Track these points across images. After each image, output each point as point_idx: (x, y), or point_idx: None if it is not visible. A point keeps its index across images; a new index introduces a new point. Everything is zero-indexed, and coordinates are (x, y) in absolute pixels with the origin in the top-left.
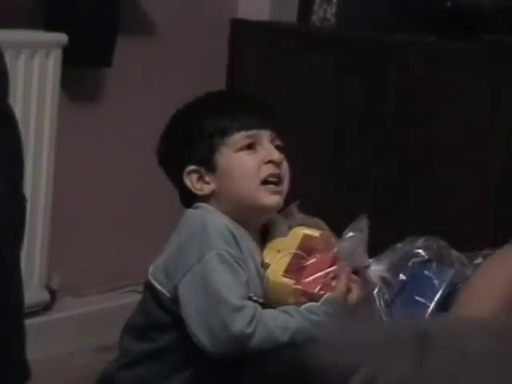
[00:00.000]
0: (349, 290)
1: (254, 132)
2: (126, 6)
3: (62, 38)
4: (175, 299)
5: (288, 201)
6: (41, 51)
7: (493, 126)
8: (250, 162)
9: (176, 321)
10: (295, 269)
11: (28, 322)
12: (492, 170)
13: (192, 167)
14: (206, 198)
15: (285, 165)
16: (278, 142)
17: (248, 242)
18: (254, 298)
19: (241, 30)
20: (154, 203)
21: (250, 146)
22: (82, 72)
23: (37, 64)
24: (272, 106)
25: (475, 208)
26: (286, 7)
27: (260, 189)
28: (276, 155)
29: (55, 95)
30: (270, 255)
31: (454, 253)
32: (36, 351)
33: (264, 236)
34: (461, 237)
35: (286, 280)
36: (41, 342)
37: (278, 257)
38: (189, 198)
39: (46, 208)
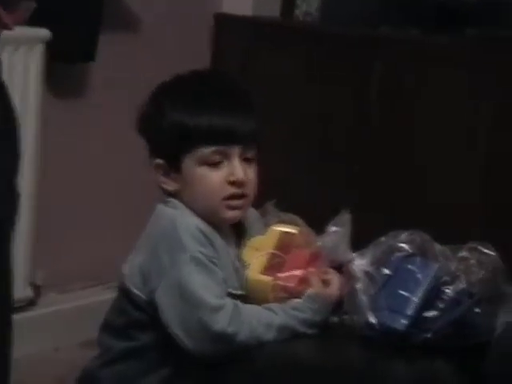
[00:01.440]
0: (326, 283)
1: (223, 148)
2: (109, 1)
3: (45, 33)
4: (151, 302)
5: (270, 197)
6: (24, 47)
7: (476, 119)
8: (213, 179)
9: (155, 320)
10: (273, 266)
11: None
12: (476, 165)
13: (159, 161)
14: (170, 193)
15: (252, 178)
16: (249, 154)
17: (218, 236)
18: (233, 292)
19: (224, 24)
20: (139, 199)
21: (215, 163)
22: (65, 68)
23: (20, 59)
24: (251, 102)
25: (459, 202)
26: (270, 2)
27: (221, 204)
28: (240, 175)
29: (38, 91)
30: (248, 254)
31: (438, 246)
32: (21, 347)
33: (239, 229)
34: (446, 230)
35: (264, 277)
36: (26, 338)
37: (256, 255)
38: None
39: (30, 204)
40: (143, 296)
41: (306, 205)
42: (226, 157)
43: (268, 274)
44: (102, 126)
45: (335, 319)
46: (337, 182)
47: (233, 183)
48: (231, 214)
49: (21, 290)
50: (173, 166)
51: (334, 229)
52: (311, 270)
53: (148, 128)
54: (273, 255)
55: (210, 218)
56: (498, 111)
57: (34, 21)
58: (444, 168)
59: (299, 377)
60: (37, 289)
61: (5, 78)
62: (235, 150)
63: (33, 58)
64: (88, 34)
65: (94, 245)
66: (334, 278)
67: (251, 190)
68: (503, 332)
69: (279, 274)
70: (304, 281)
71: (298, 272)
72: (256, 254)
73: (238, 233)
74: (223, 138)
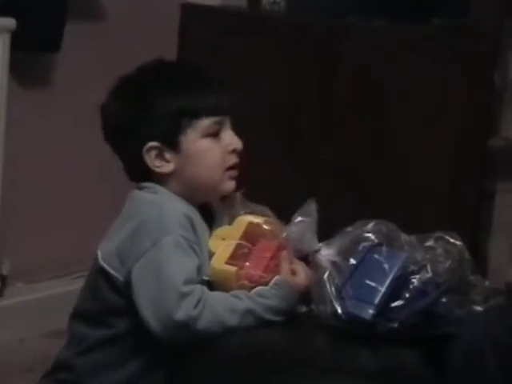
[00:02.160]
0: (293, 273)
1: (220, 118)
2: None
3: (11, 22)
4: (129, 284)
5: (237, 188)
6: None
7: (444, 108)
8: (216, 150)
9: (131, 305)
10: (239, 256)
11: None
12: (445, 154)
13: (153, 143)
14: (162, 176)
15: None
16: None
17: (201, 223)
18: (206, 279)
19: (191, 14)
20: (106, 188)
21: (214, 133)
22: (31, 57)
23: None
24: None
25: (428, 191)
26: None
27: (224, 175)
28: (239, 144)
29: (3, 80)
30: (214, 244)
31: (404, 236)
32: None
33: (207, 216)
34: (414, 219)
35: (228, 267)
36: None
37: (222, 245)
38: (141, 174)
39: None
40: (120, 277)
41: (275, 194)
42: (222, 127)
43: (233, 264)
44: (67, 115)
45: (303, 309)
46: (306, 171)
47: (233, 151)
48: (231, 185)
49: None
50: (170, 146)
51: (299, 219)
52: (283, 254)
53: (131, 117)
54: (239, 245)
55: (204, 196)
56: (464, 100)
57: None
58: (412, 155)
59: (265, 365)
60: (3, 279)
61: None
62: (228, 121)
63: None
64: (54, 24)
65: (60, 235)
66: (301, 268)
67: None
68: (466, 322)
69: (244, 264)
70: (270, 270)
71: (263, 261)
72: (222, 243)
73: (206, 220)
74: (220, 108)
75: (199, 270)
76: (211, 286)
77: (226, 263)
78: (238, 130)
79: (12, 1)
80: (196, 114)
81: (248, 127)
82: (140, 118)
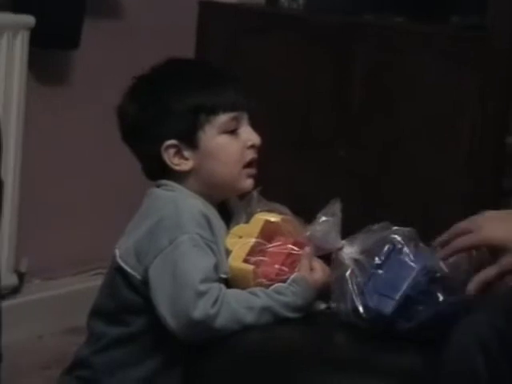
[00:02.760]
0: (311, 269)
1: (237, 114)
2: None
3: (30, 19)
4: (147, 282)
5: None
6: (8, 33)
7: (460, 107)
8: (234, 146)
9: (149, 303)
10: (256, 254)
11: None
12: (461, 152)
13: (171, 141)
14: (180, 174)
15: None
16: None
17: (218, 221)
18: (224, 277)
19: (209, 12)
20: (124, 184)
21: (232, 130)
22: (49, 54)
23: (4, 46)
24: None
25: (444, 190)
26: None
27: (242, 173)
28: (257, 139)
29: (22, 77)
30: (231, 242)
31: (423, 246)
32: (5, 334)
33: (225, 214)
34: (430, 219)
35: (245, 265)
36: (9, 325)
37: (239, 243)
38: (159, 173)
39: (14, 190)
40: (138, 276)
41: (288, 192)
42: (239, 123)
43: (250, 262)
44: (85, 112)
45: (322, 306)
46: (320, 169)
47: (251, 147)
48: (250, 182)
49: (5, 277)
50: (188, 143)
51: (324, 218)
52: (304, 251)
53: (148, 117)
54: (256, 243)
55: (222, 193)
56: (480, 98)
57: (18, 7)
58: (428, 153)
59: (282, 362)
60: (21, 276)
61: None
62: (245, 116)
63: (17, 44)
64: (72, 21)
65: (78, 231)
66: (318, 265)
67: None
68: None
69: (261, 261)
70: (286, 267)
71: (279, 259)
72: (239, 241)
73: (224, 218)
74: (237, 104)
75: (216, 268)
76: (228, 283)
77: (244, 261)
78: (254, 127)
79: None
80: (213, 110)
81: (263, 124)
82: (157, 118)
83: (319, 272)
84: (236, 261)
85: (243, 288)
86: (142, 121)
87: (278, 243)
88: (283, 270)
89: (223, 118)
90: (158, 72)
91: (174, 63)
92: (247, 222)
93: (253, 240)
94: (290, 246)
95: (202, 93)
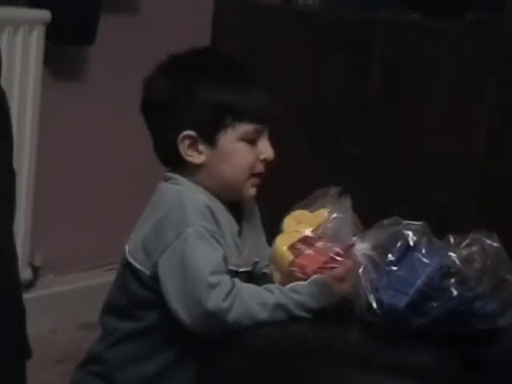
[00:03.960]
0: (342, 280)
1: (261, 127)
2: None
3: (46, 14)
4: (156, 277)
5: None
6: (24, 28)
7: (477, 104)
8: (250, 156)
9: (159, 298)
10: (304, 243)
11: None
12: (476, 151)
13: (190, 132)
14: (190, 166)
15: None
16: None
17: (224, 213)
18: (234, 269)
19: (225, 7)
20: (138, 179)
21: (252, 140)
22: (65, 49)
23: (20, 41)
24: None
25: (460, 191)
26: None
27: (249, 181)
28: (271, 155)
29: (38, 72)
30: (288, 222)
31: (436, 240)
32: None
33: (237, 210)
34: (444, 219)
35: (287, 253)
36: None
37: (293, 228)
38: (169, 158)
39: (28, 185)
40: (147, 271)
41: (301, 190)
42: (260, 136)
43: (295, 250)
44: (101, 107)
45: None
46: (333, 167)
47: (263, 161)
48: (253, 192)
49: (19, 271)
50: (206, 138)
51: (335, 215)
52: (346, 261)
53: (174, 100)
54: (308, 236)
55: (228, 194)
56: (495, 96)
57: (34, 2)
58: (442, 152)
59: (295, 358)
60: (35, 270)
61: (4, 59)
62: (266, 130)
63: (33, 39)
64: (88, 16)
65: (93, 226)
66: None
67: None
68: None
69: (303, 253)
70: (324, 269)
71: (321, 258)
72: (294, 226)
73: (234, 213)
74: (262, 117)
75: (225, 259)
76: (243, 274)
77: (290, 247)
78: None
79: None
80: (240, 116)
81: (279, 121)
82: (184, 104)
83: (348, 285)
84: (282, 244)
85: (277, 268)
86: (168, 101)
87: (329, 244)
88: (319, 270)
89: (246, 128)
90: (194, 57)
91: (212, 54)
92: (313, 209)
93: (307, 231)
94: (337, 250)
95: (234, 93)
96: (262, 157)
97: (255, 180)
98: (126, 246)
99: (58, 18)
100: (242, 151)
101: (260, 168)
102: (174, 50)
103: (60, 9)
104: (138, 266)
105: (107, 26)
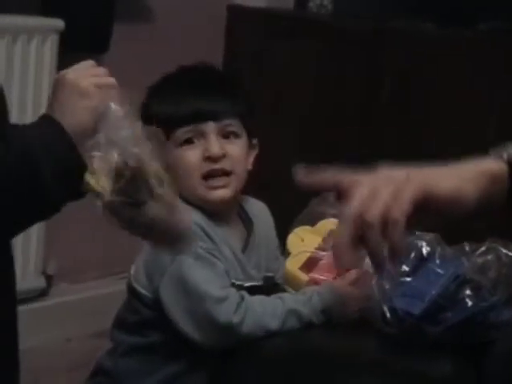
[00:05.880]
0: (353, 284)
1: (194, 127)
2: None
3: (59, 23)
4: (158, 300)
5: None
6: (37, 36)
7: (491, 112)
8: (190, 157)
9: (163, 318)
10: (313, 261)
11: (24, 308)
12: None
13: None
14: None
15: (235, 153)
16: (230, 129)
17: (218, 229)
18: (238, 283)
19: (238, 16)
20: None
21: (189, 140)
22: (79, 57)
23: (33, 49)
24: (232, 85)
25: None
26: None
27: (201, 185)
28: (214, 150)
29: (52, 81)
30: (293, 242)
31: (450, 248)
32: (33, 337)
33: (245, 220)
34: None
35: (302, 275)
36: (37, 328)
37: (299, 248)
38: None
39: None
40: (149, 295)
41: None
42: (202, 135)
43: (306, 269)
44: None
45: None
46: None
47: (208, 158)
48: (216, 195)
49: (33, 280)
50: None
51: None
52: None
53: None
54: (315, 253)
55: (202, 205)
56: (509, 104)
57: (48, 11)
58: (458, 160)
59: (308, 365)
60: (49, 279)
61: (18, 67)
62: (210, 128)
63: (46, 48)
64: (101, 25)
65: (106, 235)
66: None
67: (235, 166)
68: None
69: (315, 269)
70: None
71: (333, 271)
72: (300, 245)
73: (244, 224)
74: (193, 117)
75: (227, 273)
76: (251, 289)
77: (301, 268)
78: (284, 129)
79: (60, 2)
80: (171, 124)
81: (291, 129)
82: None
83: (359, 290)
84: (293, 266)
85: (295, 289)
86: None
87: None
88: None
89: (178, 133)
90: (174, 74)
91: (181, 69)
92: (313, 222)
93: (313, 249)
94: None
95: (161, 104)
96: (206, 155)
97: (210, 182)
98: (133, 267)
99: (71, 26)
100: (182, 156)
101: (207, 167)
102: (187, 59)
103: (73, 17)
104: (141, 290)
105: (121, 34)
